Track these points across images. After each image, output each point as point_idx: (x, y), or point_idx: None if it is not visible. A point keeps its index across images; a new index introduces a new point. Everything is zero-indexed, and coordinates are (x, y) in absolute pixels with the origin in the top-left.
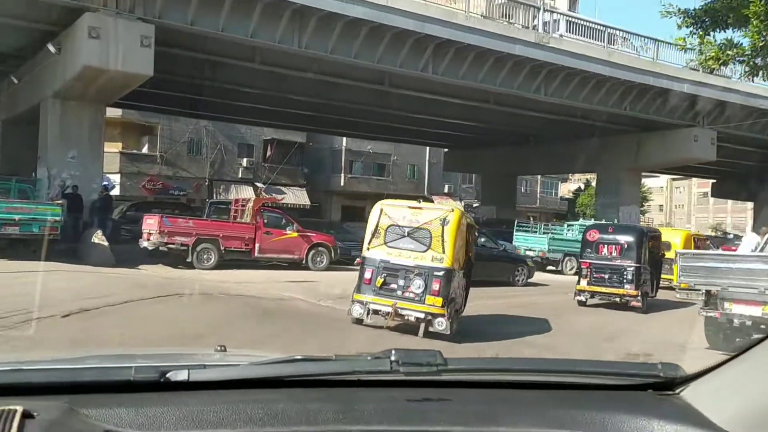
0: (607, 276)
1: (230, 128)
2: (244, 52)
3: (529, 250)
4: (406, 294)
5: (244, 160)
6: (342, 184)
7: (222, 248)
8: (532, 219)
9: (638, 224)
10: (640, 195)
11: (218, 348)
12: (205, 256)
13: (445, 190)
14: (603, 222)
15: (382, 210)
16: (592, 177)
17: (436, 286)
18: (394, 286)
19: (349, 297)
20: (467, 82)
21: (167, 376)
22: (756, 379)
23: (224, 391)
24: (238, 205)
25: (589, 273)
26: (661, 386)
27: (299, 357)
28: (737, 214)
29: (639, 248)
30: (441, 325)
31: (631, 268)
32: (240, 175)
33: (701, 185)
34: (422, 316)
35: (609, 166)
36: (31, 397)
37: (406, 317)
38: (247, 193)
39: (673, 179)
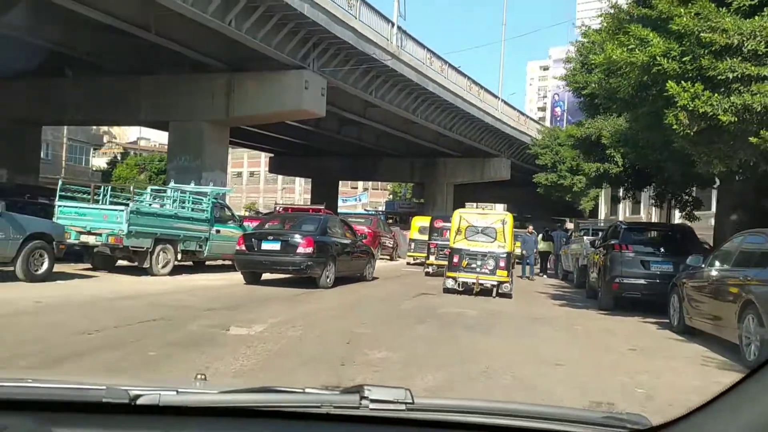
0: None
1: None
2: None
3: (88, 233)
4: (483, 270)
5: None
6: None
7: None
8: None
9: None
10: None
11: (199, 376)
12: None
13: None
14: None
15: (461, 216)
16: (131, 146)
17: (502, 264)
18: (474, 265)
19: None
20: None
21: (138, 399)
22: (729, 430)
23: (194, 417)
24: None
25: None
26: None
27: (271, 387)
28: (288, 194)
29: None
30: (507, 288)
31: None
32: None
33: (235, 164)
34: (495, 283)
35: (188, 115)
36: (2, 411)
37: (484, 285)
38: None
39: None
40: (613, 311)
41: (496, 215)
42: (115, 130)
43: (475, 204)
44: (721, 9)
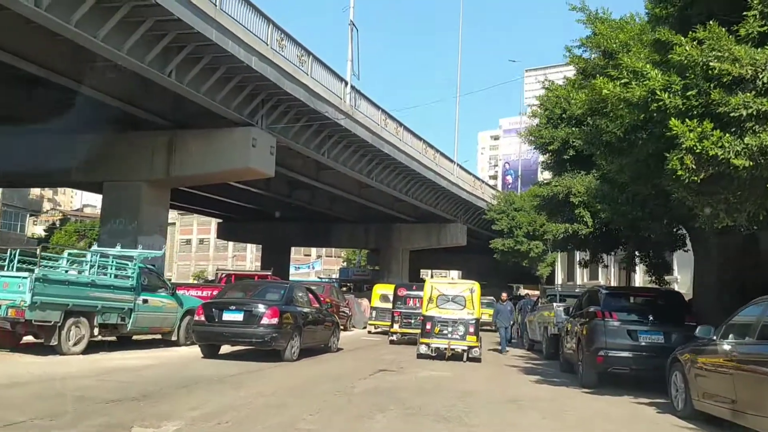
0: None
1: None
2: None
3: None
4: (454, 336)
5: None
6: None
7: None
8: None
9: None
10: None
11: None
12: None
13: None
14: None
15: (432, 285)
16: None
17: (471, 329)
18: (445, 331)
19: None
20: None
21: None
22: None
23: None
24: None
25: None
26: None
27: None
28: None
29: None
30: (477, 352)
31: None
32: None
33: (184, 231)
34: (466, 348)
35: (124, 175)
36: None
37: (455, 350)
38: None
39: (182, 215)
40: (597, 389)
41: (465, 284)
42: (61, 197)
43: (430, 271)
44: (729, 36)
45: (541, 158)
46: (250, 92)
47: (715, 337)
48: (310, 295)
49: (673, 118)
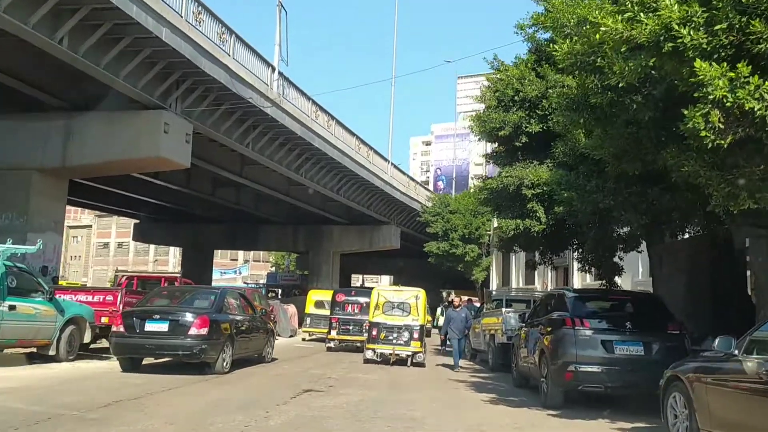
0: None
1: None
2: None
3: None
4: (399, 342)
5: None
6: None
7: None
8: None
9: None
10: None
11: None
12: None
13: None
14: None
15: (378, 293)
16: None
17: (416, 335)
18: (391, 337)
19: None
20: None
21: None
22: None
23: None
24: None
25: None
26: None
27: None
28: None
29: None
30: (420, 357)
31: None
32: None
33: (102, 234)
34: (410, 353)
35: (10, 163)
36: None
37: (400, 355)
38: None
39: (99, 216)
40: (564, 410)
41: (411, 291)
42: None
43: (361, 276)
44: None
45: (486, 150)
46: (161, 70)
47: (736, 352)
48: (243, 301)
49: (698, 59)
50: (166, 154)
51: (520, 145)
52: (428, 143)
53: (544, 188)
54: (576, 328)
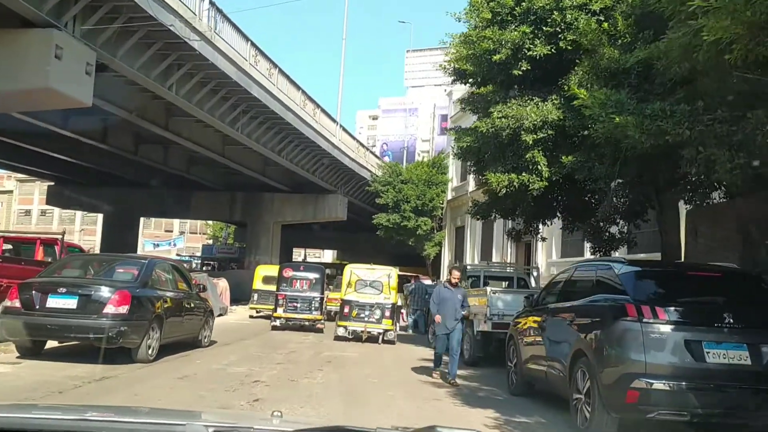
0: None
1: None
2: None
3: None
4: (371, 319)
5: None
6: None
7: None
8: None
9: None
10: None
11: (275, 413)
12: None
13: None
14: None
15: (351, 270)
16: None
17: (387, 313)
18: (362, 315)
19: None
20: None
21: None
22: None
23: None
24: None
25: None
26: None
27: (345, 427)
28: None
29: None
30: (391, 335)
31: None
32: None
33: (24, 201)
34: (381, 331)
35: None
36: None
37: (371, 333)
38: None
39: (21, 181)
40: None
41: (383, 270)
42: None
43: (303, 250)
44: None
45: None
46: None
47: None
48: (177, 275)
49: None
50: (58, 86)
51: (519, 74)
52: (375, 117)
53: (549, 132)
54: (644, 320)
